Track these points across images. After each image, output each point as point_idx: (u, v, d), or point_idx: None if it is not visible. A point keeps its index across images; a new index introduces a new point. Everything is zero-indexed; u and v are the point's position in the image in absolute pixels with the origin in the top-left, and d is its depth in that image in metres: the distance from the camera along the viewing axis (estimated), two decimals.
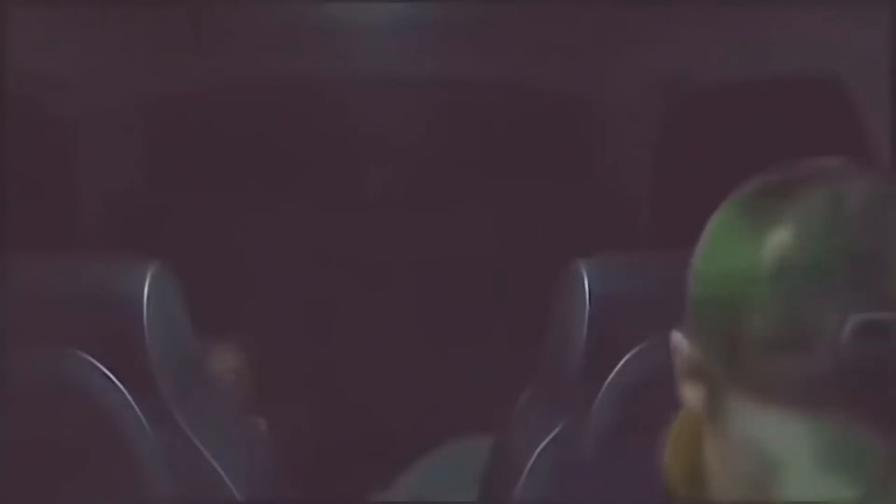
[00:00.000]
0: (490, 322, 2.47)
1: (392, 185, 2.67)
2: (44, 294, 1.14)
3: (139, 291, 1.13)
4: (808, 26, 1.59)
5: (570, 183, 2.58)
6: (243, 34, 2.15)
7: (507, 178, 2.57)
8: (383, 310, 2.53)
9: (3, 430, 1.08)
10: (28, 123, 1.90)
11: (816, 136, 1.74)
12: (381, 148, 2.66)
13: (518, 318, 2.06)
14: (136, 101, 2.39)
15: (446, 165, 2.61)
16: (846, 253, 0.58)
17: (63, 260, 1.24)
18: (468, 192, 2.58)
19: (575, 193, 2.54)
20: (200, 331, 1.27)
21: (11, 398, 1.08)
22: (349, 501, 2.23)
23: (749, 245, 0.62)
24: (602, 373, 1.15)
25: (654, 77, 2.20)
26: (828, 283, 0.58)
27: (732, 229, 0.64)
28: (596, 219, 2.42)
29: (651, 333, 1.11)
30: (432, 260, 2.52)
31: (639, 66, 2.19)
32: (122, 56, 2.12)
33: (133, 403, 1.12)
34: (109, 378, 1.11)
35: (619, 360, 1.15)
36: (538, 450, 1.20)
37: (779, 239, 0.60)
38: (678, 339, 0.68)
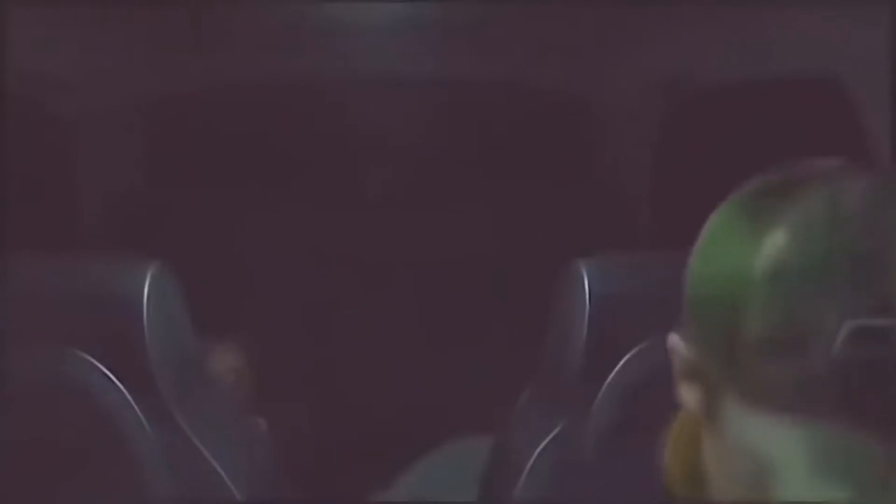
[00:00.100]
0: (490, 322, 2.47)
1: (392, 185, 2.67)
2: (44, 294, 1.14)
3: (139, 291, 1.13)
4: (808, 26, 1.59)
5: (570, 183, 2.58)
6: (243, 34, 2.15)
7: (508, 178, 2.57)
8: (383, 310, 2.53)
9: (3, 430, 1.08)
10: (28, 123, 1.90)
11: (816, 136, 1.74)
12: (381, 148, 2.66)
13: (518, 318, 2.06)
14: (136, 101, 2.39)
15: (446, 165, 2.61)
16: (845, 253, 0.58)
17: (63, 260, 1.24)
18: (468, 192, 2.57)
19: (575, 193, 2.54)
20: (200, 331, 1.27)
21: (11, 398, 1.08)
22: (349, 501, 2.23)
23: (747, 245, 0.62)
24: (602, 373, 1.15)
25: (654, 77, 2.20)
26: (826, 284, 0.58)
27: (731, 229, 0.64)
28: (596, 219, 2.42)
29: (651, 333, 1.11)
30: (432, 260, 2.52)
31: (639, 66, 2.19)
32: (122, 56, 2.12)
33: (133, 403, 1.12)
34: (109, 378, 1.11)
35: (619, 360, 1.15)
36: (538, 450, 1.20)
37: (777, 239, 0.60)
38: (675, 339, 0.68)
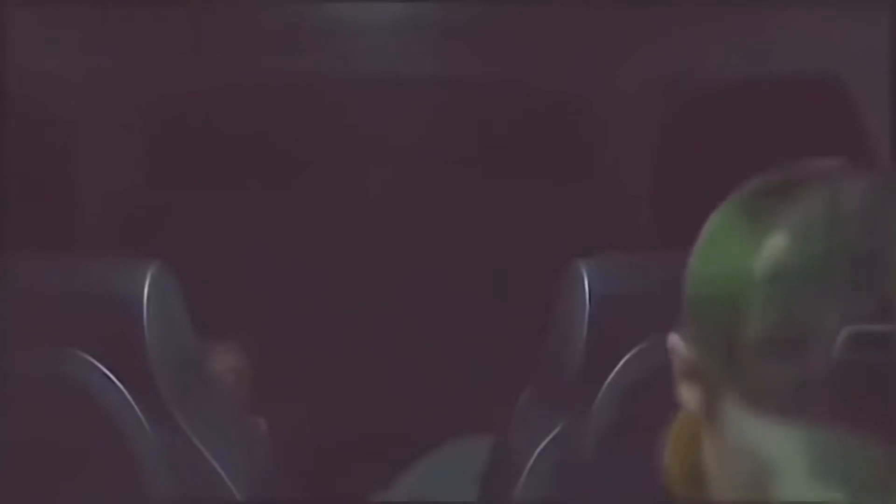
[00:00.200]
0: (490, 322, 2.47)
1: (392, 185, 2.67)
2: (44, 294, 1.14)
3: (139, 291, 1.13)
4: (808, 26, 1.59)
5: (570, 183, 2.58)
6: (243, 34, 2.15)
7: (508, 178, 2.57)
8: (383, 310, 2.53)
9: (3, 430, 1.08)
10: (28, 123, 1.90)
11: (816, 136, 1.74)
12: (381, 148, 2.66)
13: (518, 318, 2.06)
14: (136, 101, 2.39)
15: (446, 165, 2.61)
16: (845, 254, 0.58)
17: (63, 260, 1.24)
18: (468, 192, 2.58)
19: (575, 193, 2.54)
20: (200, 331, 1.27)
21: (11, 398, 1.08)
22: (349, 501, 2.23)
23: (747, 245, 0.62)
24: (602, 373, 1.15)
25: (654, 77, 2.20)
26: (826, 285, 0.58)
27: (731, 229, 0.64)
28: (596, 219, 2.42)
29: (651, 333, 1.11)
30: (432, 260, 2.52)
31: (639, 66, 2.19)
32: (122, 56, 2.12)
33: (133, 403, 1.12)
34: (109, 378, 1.11)
35: (619, 360, 1.15)
36: (538, 450, 1.20)
37: (777, 240, 0.60)
38: (675, 339, 0.68)
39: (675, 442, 0.74)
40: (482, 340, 2.45)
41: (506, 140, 2.57)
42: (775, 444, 0.60)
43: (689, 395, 0.67)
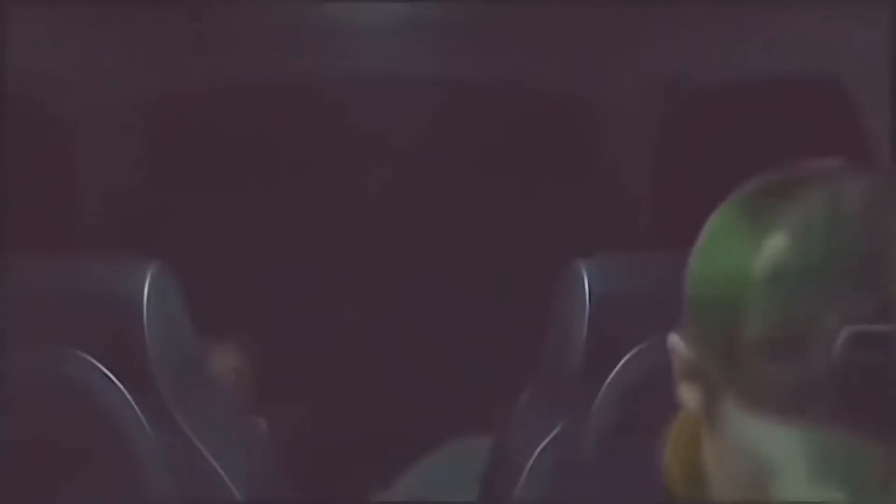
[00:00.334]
0: (490, 322, 2.47)
1: (392, 185, 2.67)
2: (44, 294, 1.14)
3: (139, 291, 1.13)
4: (808, 26, 1.59)
5: (570, 183, 2.58)
6: (243, 34, 2.15)
7: (508, 177, 2.57)
8: (383, 310, 2.53)
9: (3, 430, 1.08)
10: (28, 123, 1.90)
11: (816, 136, 1.74)
12: (381, 148, 2.66)
13: (518, 318, 2.06)
14: (136, 101, 2.39)
15: (446, 165, 2.61)
16: (845, 254, 0.58)
17: (63, 260, 1.24)
18: (468, 192, 2.58)
19: (575, 193, 2.54)
20: (200, 331, 1.27)
21: (11, 398, 1.08)
22: (349, 501, 2.23)
23: (747, 246, 0.62)
24: (602, 373, 1.15)
25: (654, 77, 2.20)
26: (826, 285, 0.58)
27: (731, 230, 0.64)
28: (596, 219, 2.42)
29: (651, 333, 1.11)
30: (432, 260, 2.52)
31: (639, 66, 2.19)
32: (122, 56, 2.12)
33: (133, 403, 1.12)
34: (109, 378, 1.11)
35: (619, 360, 1.15)
36: (538, 450, 1.20)
37: (777, 240, 0.60)
38: (675, 339, 0.68)
39: (675, 442, 0.74)
40: (482, 340, 2.45)
41: (506, 140, 2.57)
42: (775, 444, 0.60)
43: (689, 395, 0.67)
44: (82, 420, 1.10)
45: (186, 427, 1.19)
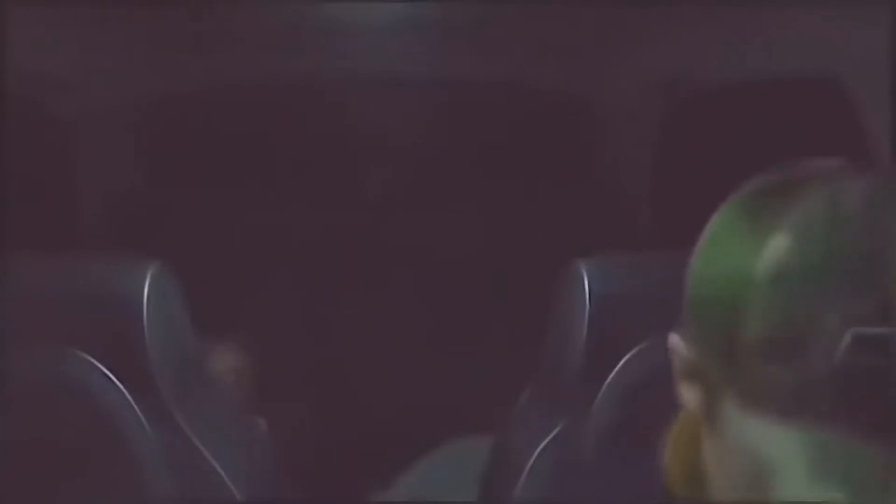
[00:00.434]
0: (490, 322, 2.47)
1: (392, 185, 2.67)
2: (44, 294, 1.14)
3: (139, 291, 1.13)
4: (808, 26, 1.59)
5: (570, 183, 2.58)
6: (243, 34, 2.15)
7: (507, 177, 2.57)
8: (383, 310, 2.53)
9: (3, 430, 1.08)
10: (28, 123, 1.90)
11: (816, 136, 1.74)
12: (381, 148, 2.66)
13: (518, 318, 2.06)
14: (136, 101, 2.39)
15: (446, 165, 2.61)
16: (845, 254, 0.58)
17: (63, 260, 1.24)
18: (468, 192, 2.58)
19: (575, 193, 2.54)
20: (200, 331, 1.27)
21: (11, 398, 1.08)
22: (349, 501, 2.23)
23: (748, 246, 0.62)
24: (602, 373, 1.15)
25: (654, 77, 2.20)
26: (826, 285, 0.58)
27: (732, 230, 0.64)
28: (596, 219, 2.42)
29: (651, 333, 1.11)
30: (432, 260, 2.52)
31: (639, 66, 2.19)
32: (122, 56, 2.12)
33: (133, 403, 1.12)
34: (109, 378, 1.11)
35: (619, 360, 1.15)
36: (538, 450, 1.20)
37: (777, 240, 0.60)
38: (675, 339, 0.68)
39: (675, 442, 0.74)
40: (482, 340, 2.45)
41: (506, 140, 2.57)
42: (775, 444, 0.60)
43: (689, 395, 0.67)
44: (82, 420, 1.10)
45: (186, 427, 1.19)
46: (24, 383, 1.09)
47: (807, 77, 1.71)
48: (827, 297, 0.58)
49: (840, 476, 0.58)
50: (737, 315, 0.61)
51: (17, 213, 1.46)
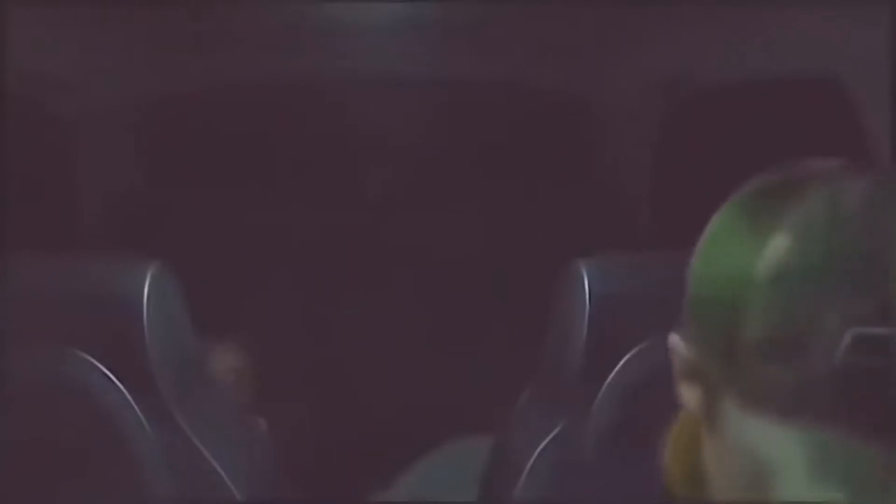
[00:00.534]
0: (490, 322, 2.47)
1: (392, 185, 2.67)
2: (44, 294, 1.14)
3: (139, 291, 1.13)
4: (808, 26, 1.59)
5: (570, 183, 2.58)
6: (243, 34, 2.15)
7: (507, 177, 2.57)
8: (383, 310, 2.53)
9: (3, 430, 1.08)
10: (28, 123, 1.90)
11: (816, 136, 1.74)
12: (381, 148, 2.66)
13: (518, 318, 2.06)
14: (136, 101, 2.39)
15: (446, 165, 2.61)
16: (845, 254, 0.58)
17: (63, 260, 1.24)
18: (468, 192, 2.58)
19: (575, 193, 2.54)
20: (200, 331, 1.27)
21: (11, 398, 1.08)
22: (349, 501, 2.23)
23: (748, 246, 0.62)
24: (602, 373, 1.15)
25: (654, 77, 2.20)
26: (827, 286, 0.58)
27: (732, 230, 0.64)
28: (596, 219, 2.42)
29: (651, 333, 1.11)
30: (432, 260, 2.52)
31: (639, 66, 2.19)
32: (122, 56, 2.12)
33: (133, 403, 1.12)
34: (109, 378, 1.11)
35: (619, 360, 1.15)
36: (538, 450, 1.20)
37: (777, 240, 0.60)
38: (675, 339, 0.68)
39: (675, 442, 0.74)
40: (482, 340, 2.45)
41: (506, 140, 2.57)
42: (775, 444, 0.60)
43: (689, 395, 0.67)
44: (82, 420, 1.10)
45: (186, 427, 1.19)
46: (24, 383, 1.09)
47: (807, 77, 1.71)
48: (827, 297, 0.58)
49: (840, 476, 0.58)
50: (737, 315, 0.61)
51: (17, 213, 1.46)
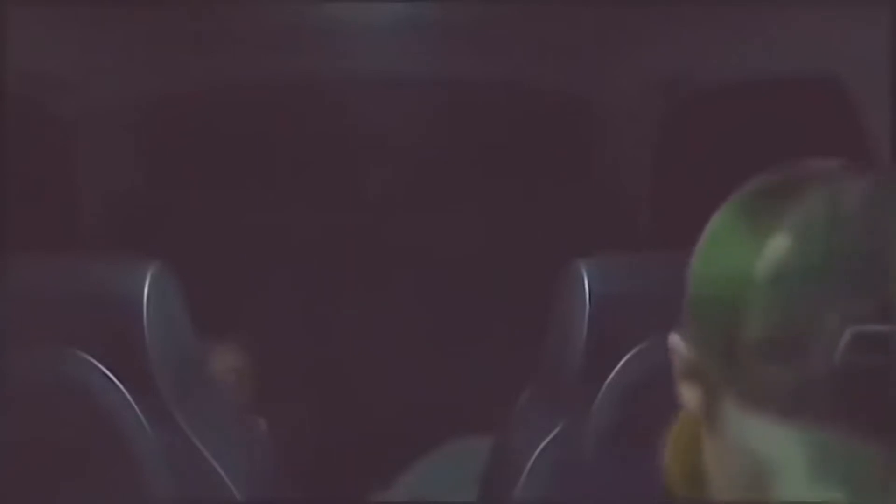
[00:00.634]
0: (490, 322, 2.47)
1: (392, 185, 2.67)
2: (44, 294, 1.14)
3: (139, 291, 1.13)
4: (808, 26, 1.59)
5: (570, 183, 2.58)
6: (243, 34, 2.15)
7: (508, 177, 2.57)
8: (383, 310, 2.53)
9: (3, 430, 1.08)
10: (28, 123, 1.90)
11: (816, 136, 1.74)
12: (381, 148, 2.66)
13: (518, 318, 2.06)
14: (136, 101, 2.39)
15: (446, 165, 2.61)
16: (845, 254, 0.58)
17: (63, 260, 1.24)
18: (468, 192, 2.58)
19: (575, 193, 2.54)
20: (200, 331, 1.27)
21: (11, 398, 1.08)
22: (349, 501, 2.23)
23: (748, 246, 0.62)
24: (602, 373, 1.15)
25: (654, 77, 2.20)
26: (826, 286, 0.58)
27: (732, 230, 0.64)
28: (596, 219, 2.42)
29: (651, 333, 1.11)
30: (432, 260, 2.52)
31: (639, 66, 2.19)
32: (122, 56, 2.12)
33: (133, 403, 1.12)
34: (109, 378, 1.11)
35: (619, 360, 1.15)
36: (538, 450, 1.20)
37: (777, 241, 0.60)
38: (675, 339, 0.68)
39: (675, 442, 0.74)
40: (482, 340, 2.45)
41: (506, 140, 2.57)
42: (775, 444, 0.60)
43: (689, 395, 0.67)
44: (82, 420, 1.10)
45: (186, 427, 1.19)
46: (24, 383, 1.09)
47: (807, 77, 1.71)
48: (827, 297, 0.58)
49: (840, 476, 0.58)
50: (737, 315, 0.61)
51: (17, 213, 1.46)
